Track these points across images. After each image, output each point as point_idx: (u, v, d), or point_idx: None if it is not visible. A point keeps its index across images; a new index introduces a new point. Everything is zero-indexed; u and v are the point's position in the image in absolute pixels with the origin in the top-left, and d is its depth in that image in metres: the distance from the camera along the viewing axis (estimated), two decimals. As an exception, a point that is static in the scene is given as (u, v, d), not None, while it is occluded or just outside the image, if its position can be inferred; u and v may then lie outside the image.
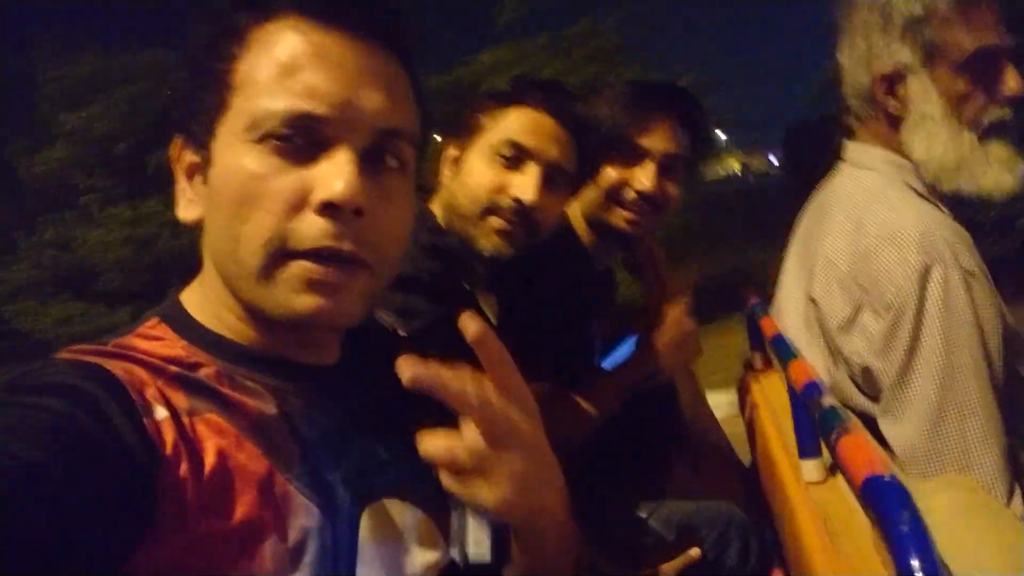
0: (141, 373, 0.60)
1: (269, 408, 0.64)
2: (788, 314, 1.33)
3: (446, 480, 0.60)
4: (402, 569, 0.67)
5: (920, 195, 1.15)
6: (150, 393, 0.58)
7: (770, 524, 1.25)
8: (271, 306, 0.63)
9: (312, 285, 0.62)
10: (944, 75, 1.10)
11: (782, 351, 1.13)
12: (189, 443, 0.58)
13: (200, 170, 0.66)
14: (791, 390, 1.01)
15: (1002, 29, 1.09)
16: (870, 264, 1.09)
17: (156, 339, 0.64)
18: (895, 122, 1.14)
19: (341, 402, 0.70)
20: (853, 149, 1.22)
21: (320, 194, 0.61)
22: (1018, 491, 1.04)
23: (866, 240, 1.11)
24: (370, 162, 0.64)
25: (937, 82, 1.10)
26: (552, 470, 0.66)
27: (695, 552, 1.35)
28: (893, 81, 1.13)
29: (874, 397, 1.12)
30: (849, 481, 0.70)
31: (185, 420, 0.59)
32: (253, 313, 0.65)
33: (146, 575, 0.52)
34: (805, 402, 0.95)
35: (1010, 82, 1.09)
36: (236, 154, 0.62)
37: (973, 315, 1.03)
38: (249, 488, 0.59)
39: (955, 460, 1.03)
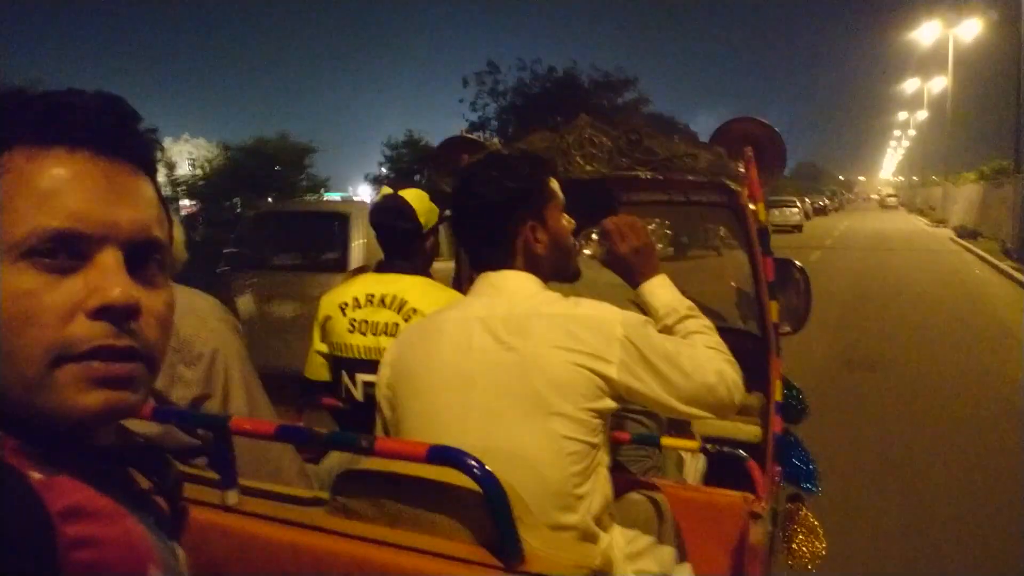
0: None
1: (95, 474, 0.66)
2: None
3: None
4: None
5: None
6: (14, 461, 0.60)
7: None
8: (55, 411, 0.64)
9: (95, 382, 0.64)
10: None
11: None
12: (67, 498, 0.59)
13: None
14: None
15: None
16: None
17: None
18: None
19: (127, 473, 0.74)
20: None
21: (94, 301, 0.64)
22: None
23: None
24: (133, 266, 0.68)
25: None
26: None
27: None
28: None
29: None
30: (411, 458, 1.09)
31: (54, 480, 0.61)
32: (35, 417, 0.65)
33: None
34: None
35: None
36: (2, 274, 0.63)
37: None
38: (126, 532, 0.63)
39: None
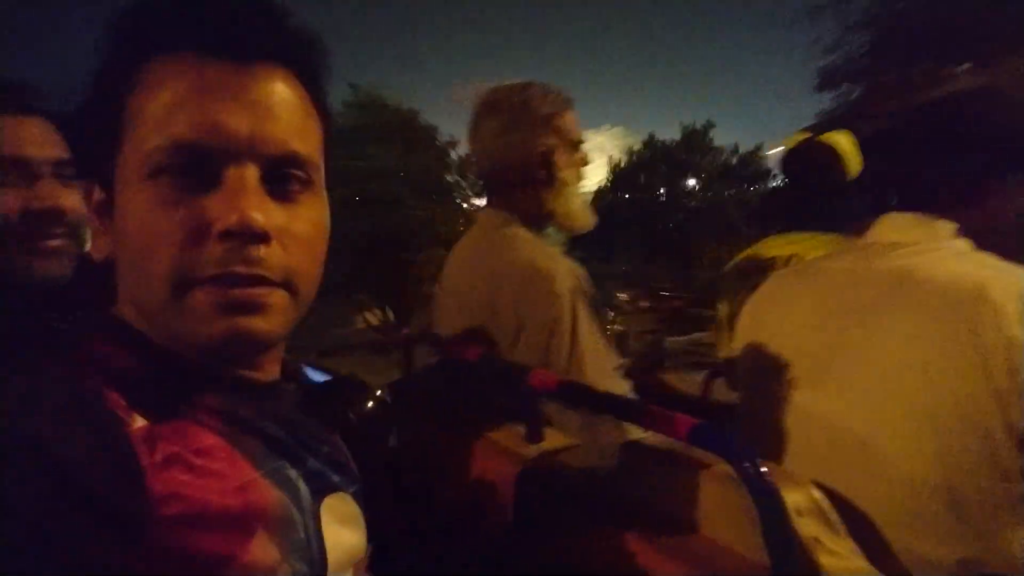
0: (107, 384, 0.60)
1: (228, 415, 0.64)
2: None
3: None
4: (350, 552, 0.71)
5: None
6: (121, 404, 0.59)
7: None
8: (186, 335, 0.62)
9: (222, 308, 0.60)
10: (571, 152, 1.56)
11: None
12: (168, 448, 0.58)
13: (107, 207, 0.66)
14: None
15: None
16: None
17: (107, 353, 0.63)
18: (539, 187, 1.55)
19: (284, 414, 0.70)
20: (494, 213, 1.60)
21: (220, 224, 0.60)
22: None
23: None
24: (272, 185, 0.63)
25: (570, 156, 1.56)
26: None
27: None
28: (546, 157, 1.54)
29: None
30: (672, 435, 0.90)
31: (159, 427, 0.59)
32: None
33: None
34: None
35: None
36: (134, 191, 0.62)
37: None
38: (234, 485, 0.60)
39: None
